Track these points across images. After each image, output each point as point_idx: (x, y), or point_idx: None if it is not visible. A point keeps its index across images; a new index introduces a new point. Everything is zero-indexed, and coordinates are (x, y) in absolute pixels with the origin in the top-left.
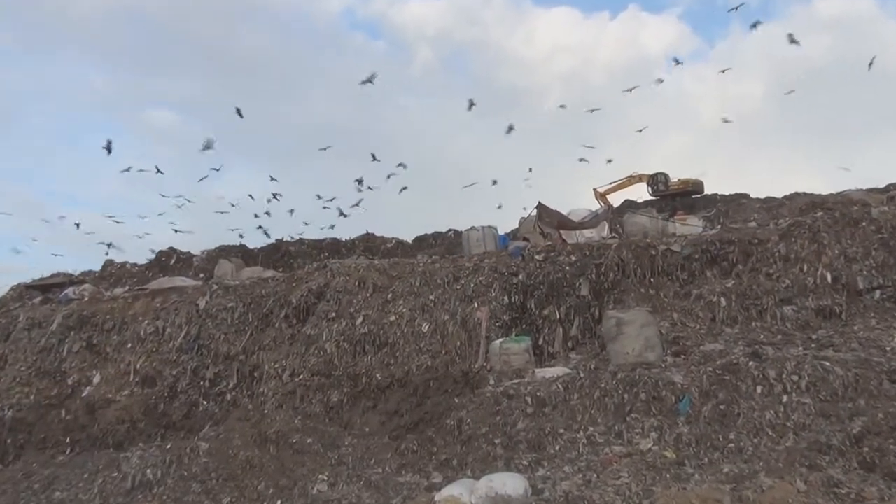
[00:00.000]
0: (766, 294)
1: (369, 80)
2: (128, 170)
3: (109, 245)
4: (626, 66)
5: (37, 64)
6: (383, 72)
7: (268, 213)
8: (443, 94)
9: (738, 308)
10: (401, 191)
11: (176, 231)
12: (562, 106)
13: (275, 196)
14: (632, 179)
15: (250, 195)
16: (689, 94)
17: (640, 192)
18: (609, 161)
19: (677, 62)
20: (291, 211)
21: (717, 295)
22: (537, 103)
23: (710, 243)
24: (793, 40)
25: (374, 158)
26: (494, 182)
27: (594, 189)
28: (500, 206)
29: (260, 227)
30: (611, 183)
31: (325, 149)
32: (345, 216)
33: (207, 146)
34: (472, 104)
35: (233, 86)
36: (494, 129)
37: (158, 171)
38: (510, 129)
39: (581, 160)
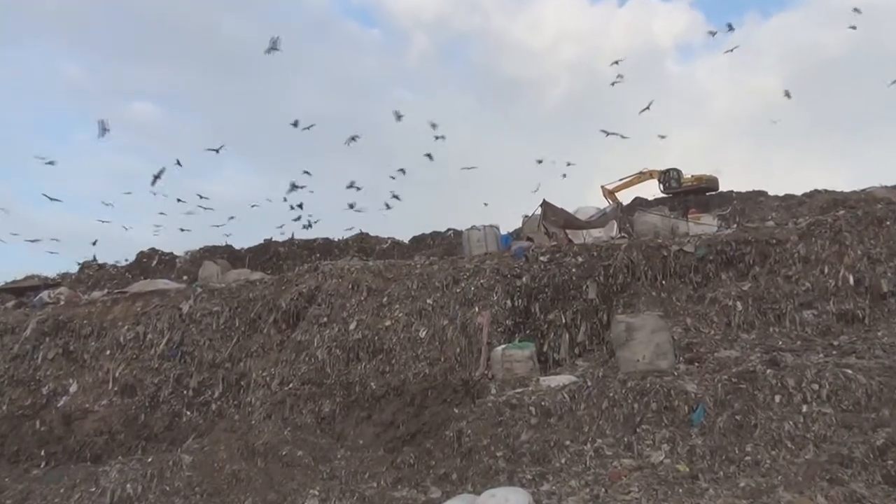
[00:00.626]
0: (785, 298)
1: (273, 48)
2: (51, 163)
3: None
4: (635, 55)
5: (4, 54)
6: (378, 62)
7: (300, 206)
8: (441, 85)
9: (754, 312)
10: (391, 197)
11: (181, 230)
12: (619, 75)
13: (294, 187)
14: (642, 176)
15: (285, 198)
16: (702, 86)
17: (651, 190)
18: (662, 137)
19: (712, 34)
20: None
21: (732, 298)
22: (542, 94)
23: (726, 244)
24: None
25: (430, 158)
26: (539, 161)
27: (602, 186)
28: (485, 204)
29: (298, 217)
30: (620, 179)
31: (308, 128)
32: (396, 200)
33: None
34: (434, 126)
35: (218, 77)
36: (496, 122)
37: (178, 164)
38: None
39: (608, 134)
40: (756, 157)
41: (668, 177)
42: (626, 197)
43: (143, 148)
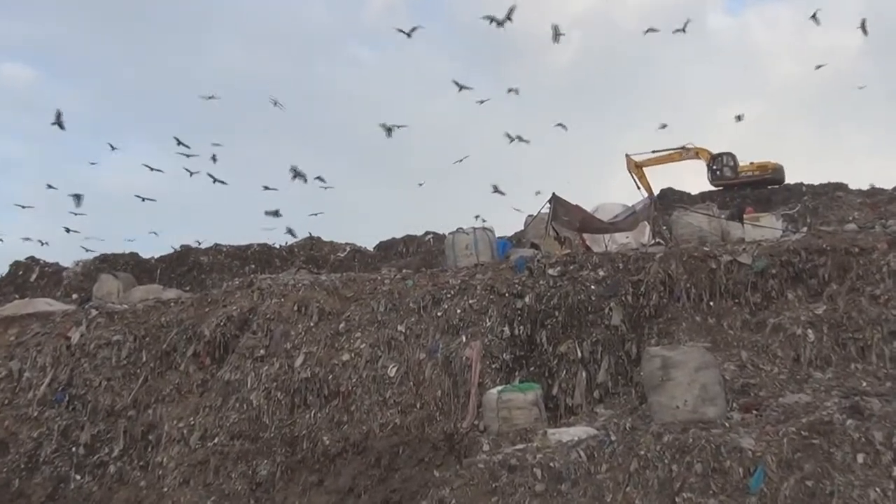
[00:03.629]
0: (871, 324)
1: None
2: None
3: None
4: (666, 6)
5: None
6: (328, 12)
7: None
8: (410, 42)
9: (831, 344)
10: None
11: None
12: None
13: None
14: (683, 153)
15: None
16: (758, 46)
17: (696, 181)
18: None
19: None
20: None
21: (801, 325)
22: (546, 55)
23: (793, 253)
24: None
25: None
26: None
27: (627, 156)
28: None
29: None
30: (653, 152)
31: (210, 97)
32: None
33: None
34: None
35: (111, 29)
36: (487, 92)
37: None
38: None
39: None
40: (828, 138)
41: (721, 163)
42: (657, 178)
43: (14, 123)
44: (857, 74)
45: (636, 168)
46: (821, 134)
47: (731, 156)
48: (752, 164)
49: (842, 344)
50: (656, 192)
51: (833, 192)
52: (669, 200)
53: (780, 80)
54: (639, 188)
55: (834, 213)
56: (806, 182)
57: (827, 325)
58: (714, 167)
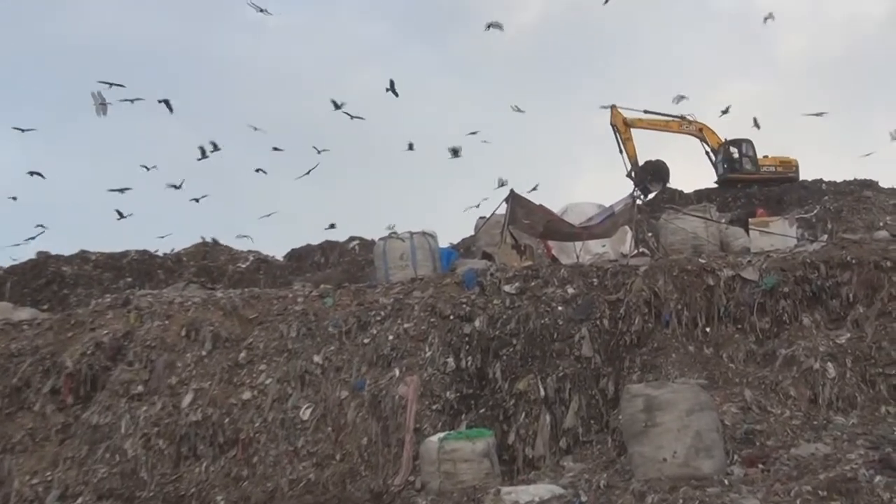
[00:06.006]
0: None
1: None
2: None
3: None
4: None
5: None
6: None
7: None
8: (328, 5)
9: (856, 381)
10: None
11: None
12: None
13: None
14: (683, 124)
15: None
16: (763, 12)
17: (695, 177)
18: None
19: None
20: None
21: (820, 358)
22: (501, 21)
23: (811, 267)
24: None
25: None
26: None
27: (614, 107)
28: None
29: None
30: (645, 112)
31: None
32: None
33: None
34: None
35: None
36: (428, 65)
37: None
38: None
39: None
40: (855, 125)
41: (740, 153)
42: (645, 146)
43: None
44: (883, 47)
45: (623, 126)
46: (843, 118)
47: (751, 144)
48: (766, 157)
49: (869, 381)
50: (643, 162)
51: (860, 192)
52: (664, 174)
53: (790, 54)
54: (621, 152)
55: (861, 218)
56: (826, 178)
57: (851, 358)
58: (723, 158)
